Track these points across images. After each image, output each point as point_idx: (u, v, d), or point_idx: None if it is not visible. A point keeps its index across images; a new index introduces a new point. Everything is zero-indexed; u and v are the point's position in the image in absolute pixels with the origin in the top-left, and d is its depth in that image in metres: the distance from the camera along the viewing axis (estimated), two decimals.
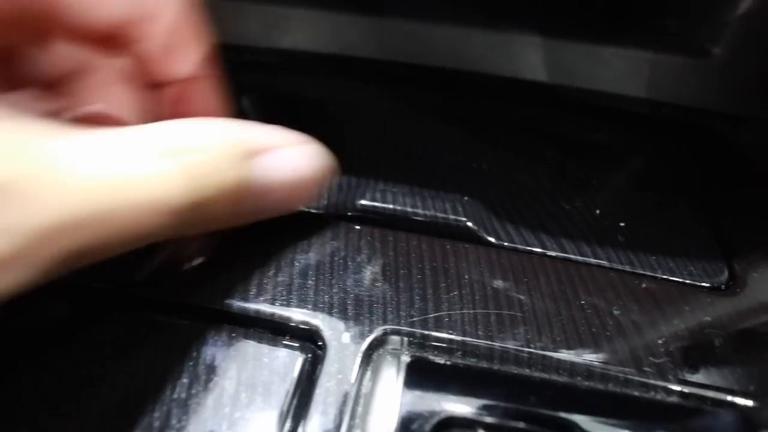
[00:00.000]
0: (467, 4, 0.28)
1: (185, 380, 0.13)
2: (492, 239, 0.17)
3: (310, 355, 0.14)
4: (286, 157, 0.14)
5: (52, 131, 0.10)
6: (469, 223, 0.17)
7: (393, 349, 0.14)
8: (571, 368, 0.14)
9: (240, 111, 0.28)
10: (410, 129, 0.24)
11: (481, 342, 0.14)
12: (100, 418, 0.13)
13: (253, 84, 0.28)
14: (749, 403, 0.14)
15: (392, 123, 0.25)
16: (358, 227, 0.17)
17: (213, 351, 0.14)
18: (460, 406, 0.13)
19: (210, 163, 0.12)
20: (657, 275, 0.17)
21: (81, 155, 0.10)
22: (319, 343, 0.14)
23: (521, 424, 0.13)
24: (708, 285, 0.17)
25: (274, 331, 0.15)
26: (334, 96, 0.28)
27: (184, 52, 0.14)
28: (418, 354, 0.14)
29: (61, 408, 0.13)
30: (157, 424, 0.13)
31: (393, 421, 0.12)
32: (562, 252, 0.17)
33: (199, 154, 0.12)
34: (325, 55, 0.28)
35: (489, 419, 0.13)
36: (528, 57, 0.26)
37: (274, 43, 0.29)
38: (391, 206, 0.18)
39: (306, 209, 0.18)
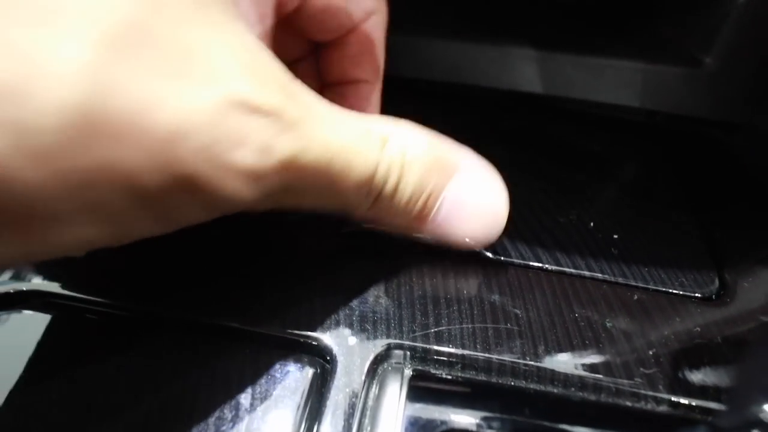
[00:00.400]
0: (464, 19, 0.29)
1: (203, 395, 0.14)
2: (489, 254, 0.18)
3: (319, 370, 0.15)
4: (477, 180, 0.14)
5: (312, 91, 0.13)
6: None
7: (396, 363, 0.15)
8: (565, 379, 0.15)
9: None
10: None
11: (480, 355, 0.15)
12: None
13: None
14: (738, 412, 0.14)
15: None
16: (360, 246, 0.18)
17: (228, 367, 0.15)
18: (460, 417, 0.14)
19: (411, 163, 0.13)
20: (649, 287, 0.17)
21: (331, 116, 0.13)
22: (328, 358, 0.15)
23: None
24: (699, 295, 0.17)
25: (286, 347, 0.16)
26: None
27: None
28: (420, 367, 0.15)
29: (88, 426, 0.14)
30: None
31: None
32: (557, 265, 0.18)
33: (404, 151, 0.13)
34: None
35: (487, 430, 0.14)
36: (524, 69, 0.27)
37: None
38: None
39: (306, 228, 0.19)
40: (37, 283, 0.16)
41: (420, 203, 0.14)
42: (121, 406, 0.14)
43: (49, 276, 0.17)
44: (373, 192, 0.13)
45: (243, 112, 0.11)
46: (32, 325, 0.16)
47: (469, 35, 0.27)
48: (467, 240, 0.15)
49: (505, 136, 0.25)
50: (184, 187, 0.10)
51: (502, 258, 0.18)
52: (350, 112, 0.14)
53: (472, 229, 0.15)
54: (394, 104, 0.27)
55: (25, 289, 0.16)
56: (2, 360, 0.15)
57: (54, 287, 0.16)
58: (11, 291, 0.16)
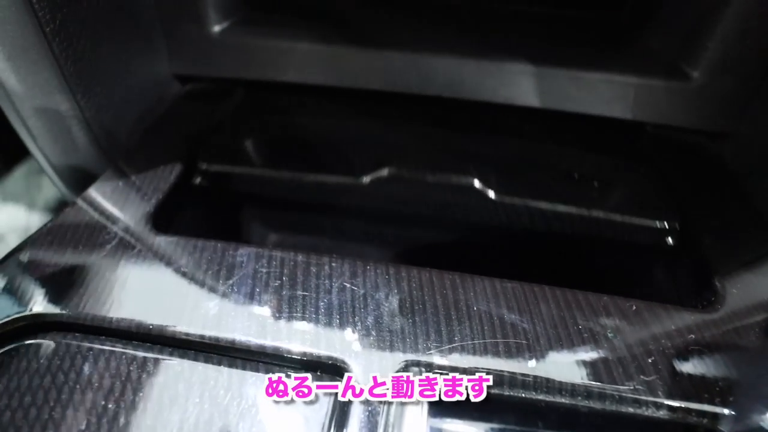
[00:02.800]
0: (461, 36, 0.30)
1: (232, 415, 0.15)
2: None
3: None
4: None
5: None
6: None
7: None
8: (572, 390, 0.16)
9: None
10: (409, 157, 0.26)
11: (492, 370, 0.16)
12: None
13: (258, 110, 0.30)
14: (731, 414, 0.16)
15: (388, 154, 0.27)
16: (373, 265, 0.19)
17: (257, 388, 0.16)
18: (476, 429, 0.15)
19: None
20: (645, 296, 0.19)
21: None
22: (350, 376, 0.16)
23: None
24: (692, 304, 0.19)
25: (307, 367, 0.16)
26: (337, 130, 0.30)
27: None
28: None
29: None
30: None
31: None
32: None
33: None
34: (322, 88, 0.30)
35: None
36: (521, 84, 0.28)
37: (276, 77, 0.30)
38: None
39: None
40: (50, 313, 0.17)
41: None
42: (154, 426, 0.15)
43: (60, 305, 0.17)
44: None
45: None
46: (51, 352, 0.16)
47: (467, 51, 0.28)
48: None
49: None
50: None
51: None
52: None
53: None
54: (394, 120, 0.28)
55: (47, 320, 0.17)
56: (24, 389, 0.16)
57: (66, 317, 0.17)
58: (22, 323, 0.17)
